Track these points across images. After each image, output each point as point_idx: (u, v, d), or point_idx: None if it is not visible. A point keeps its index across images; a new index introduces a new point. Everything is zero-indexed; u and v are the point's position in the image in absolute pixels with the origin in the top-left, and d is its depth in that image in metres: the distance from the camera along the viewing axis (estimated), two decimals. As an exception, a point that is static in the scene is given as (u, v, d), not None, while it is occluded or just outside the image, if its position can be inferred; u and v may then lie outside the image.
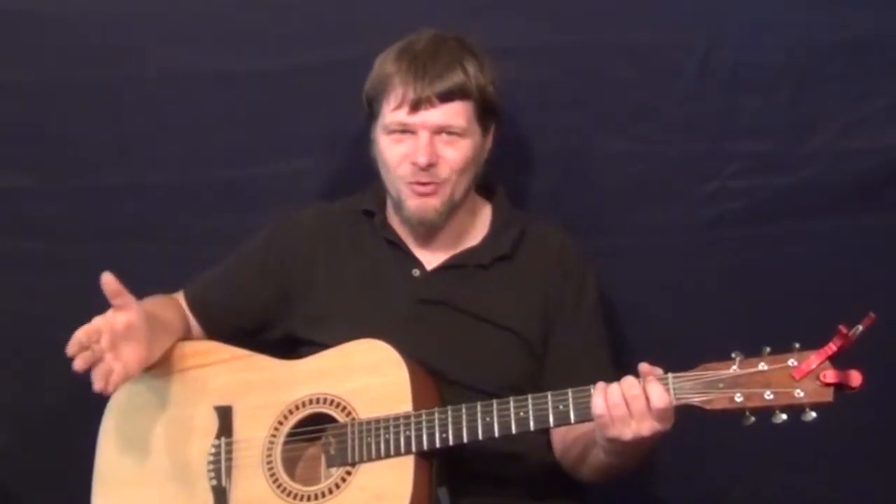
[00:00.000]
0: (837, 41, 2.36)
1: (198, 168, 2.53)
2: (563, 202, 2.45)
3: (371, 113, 2.16)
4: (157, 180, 2.53)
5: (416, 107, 2.08)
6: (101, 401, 2.18)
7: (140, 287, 2.25)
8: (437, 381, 2.05)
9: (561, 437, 2.11)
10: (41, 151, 2.54)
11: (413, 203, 2.12)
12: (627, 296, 2.41)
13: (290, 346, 2.18)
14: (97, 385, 1.98)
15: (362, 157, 2.28)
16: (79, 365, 1.97)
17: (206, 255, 2.33)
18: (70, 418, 2.48)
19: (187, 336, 2.21)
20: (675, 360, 1.89)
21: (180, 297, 2.27)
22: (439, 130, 2.09)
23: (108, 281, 2.00)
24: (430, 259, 2.18)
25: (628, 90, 2.42)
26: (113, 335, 1.99)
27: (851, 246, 2.40)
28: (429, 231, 2.17)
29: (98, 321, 2.00)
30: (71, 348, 1.97)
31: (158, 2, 2.50)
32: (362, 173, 2.30)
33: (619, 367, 2.11)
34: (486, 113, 2.15)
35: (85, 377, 2.46)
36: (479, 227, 2.22)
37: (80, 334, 1.97)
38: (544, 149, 2.45)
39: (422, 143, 2.08)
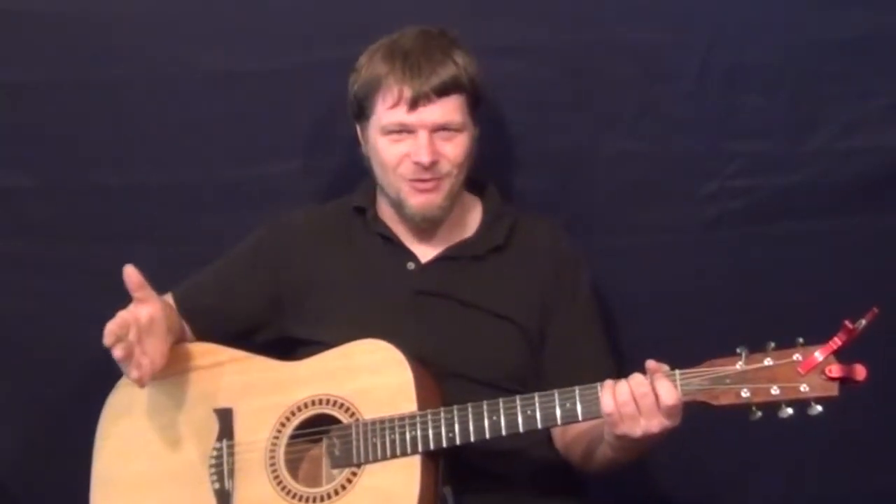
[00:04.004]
0: (837, 41, 2.36)
1: (198, 168, 2.53)
2: (564, 202, 2.45)
3: (361, 114, 2.16)
4: (157, 180, 2.53)
5: (414, 104, 2.08)
6: (101, 401, 2.18)
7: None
8: (438, 382, 2.04)
9: (560, 436, 2.11)
10: (41, 151, 2.54)
11: (416, 201, 2.12)
12: (627, 295, 2.41)
13: (286, 347, 2.18)
14: (134, 374, 1.97)
15: (360, 158, 2.28)
16: (119, 354, 1.94)
17: (206, 255, 2.32)
18: (70, 418, 2.48)
19: (183, 337, 2.19)
20: (675, 360, 1.89)
21: (169, 299, 2.23)
22: (438, 129, 2.10)
23: (130, 273, 2.00)
24: (425, 252, 2.18)
25: (628, 90, 2.42)
26: (138, 329, 1.98)
27: (851, 246, 2.40)
28: (428, 226, 2.17)
29: (124, 315, 1.98)
30: (108, 339, 1.93)
31: (158, 2, 2.50)
32: (359, 173, 2.30)
33: (619, 366, 2.12)
34: (477, 103, 2.16)
35: (84, 377, 2.49)
36: (471, 220, 2.22)
37: (114, 326, 1.94)
38: (544, 149, 2.45)
39: (422, 143, 2.09)
